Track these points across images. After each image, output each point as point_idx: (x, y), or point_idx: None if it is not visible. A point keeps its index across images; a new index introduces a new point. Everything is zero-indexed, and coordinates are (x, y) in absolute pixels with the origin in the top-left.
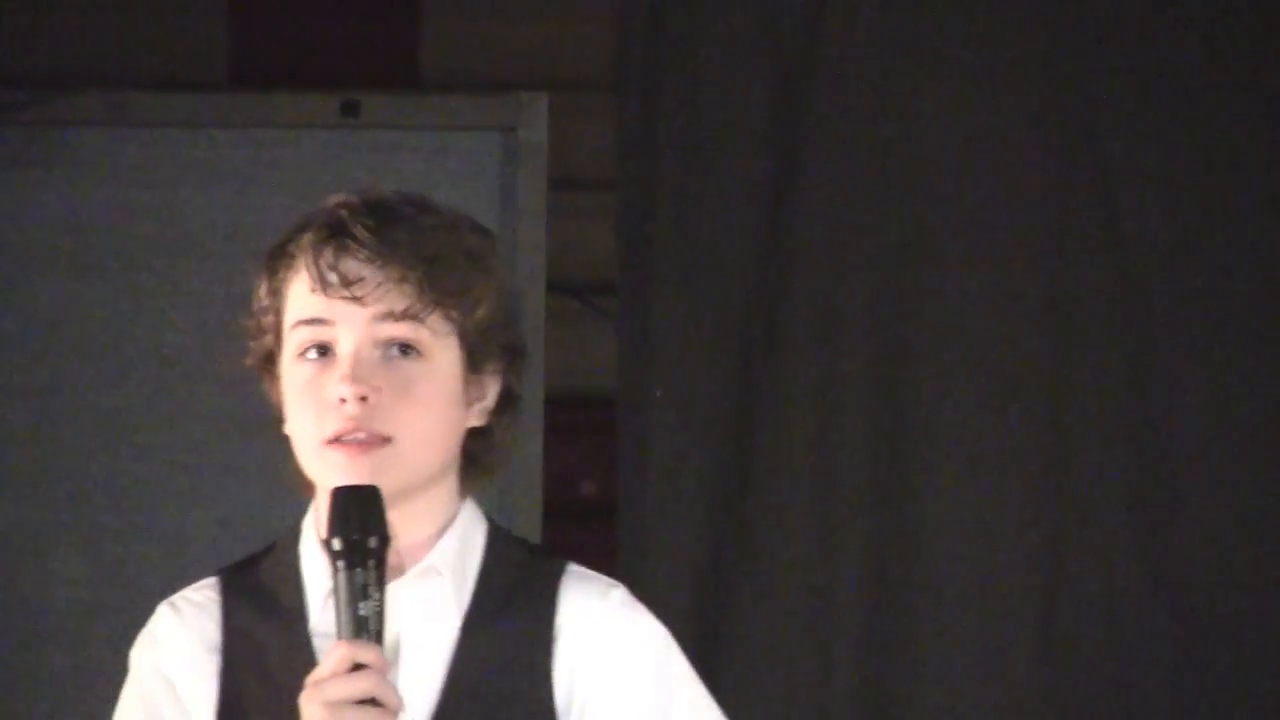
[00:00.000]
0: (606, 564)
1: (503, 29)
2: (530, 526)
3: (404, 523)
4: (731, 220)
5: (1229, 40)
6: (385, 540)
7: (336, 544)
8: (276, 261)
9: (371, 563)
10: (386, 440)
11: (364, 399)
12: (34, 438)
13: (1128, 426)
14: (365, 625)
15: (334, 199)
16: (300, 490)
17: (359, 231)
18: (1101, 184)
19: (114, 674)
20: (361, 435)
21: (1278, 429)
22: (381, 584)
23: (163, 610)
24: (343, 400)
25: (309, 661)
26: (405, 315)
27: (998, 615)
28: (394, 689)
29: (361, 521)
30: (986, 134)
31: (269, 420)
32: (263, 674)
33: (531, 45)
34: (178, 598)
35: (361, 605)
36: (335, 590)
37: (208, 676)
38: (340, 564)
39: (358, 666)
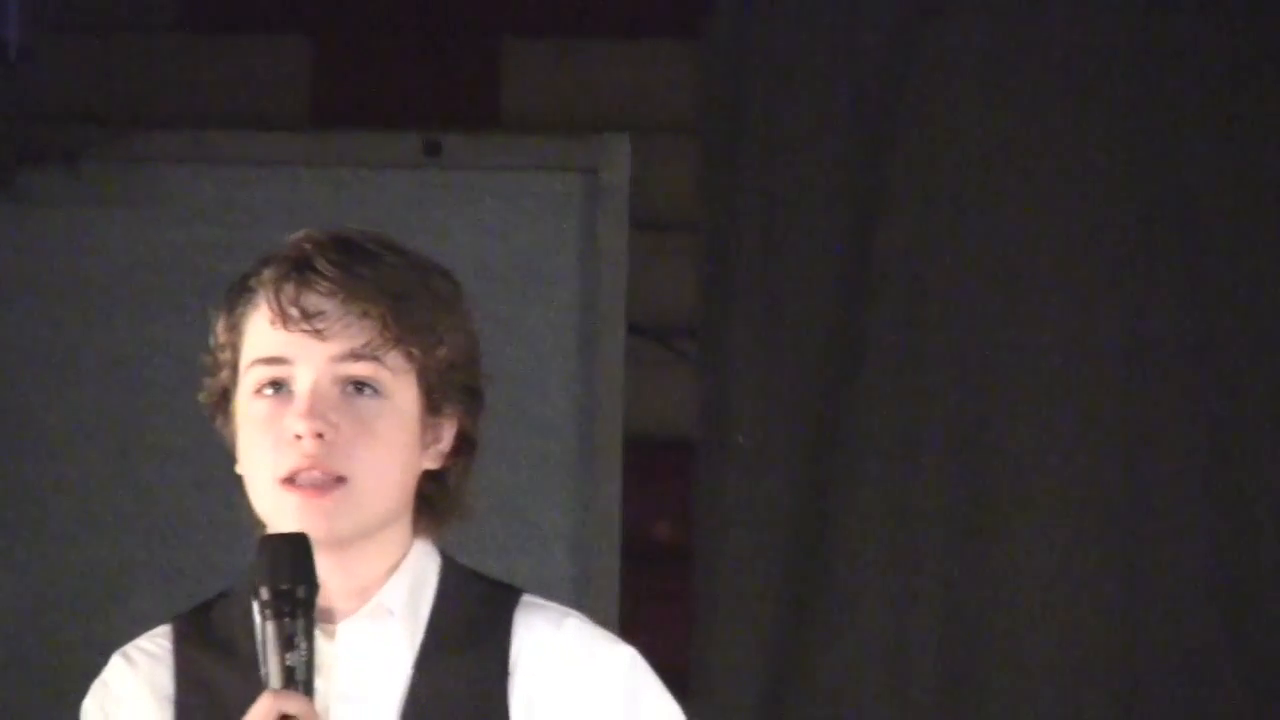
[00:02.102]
0: (681, 608)
1: (584, 70)
2: (608, 568)
3: (356, 563)
4: (813, 263)
5: None
6: (313, 589)
7: (264, 593)
8: (236, 297)
9: (299, 612)
10: (341, 480)
11: (320, 436)
12: (113, 476)
13: (1208, 478)
14: (293, 676)
15: (298, 234)
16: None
17: (323, 265)
18: (1184, 234)
19: None
20: (317, 474)
21: None
22: (310, 633)
23: (115, 660)
24: (299, 436)
25: None
26: (365, 351)
27: (1076, 666)
28: None
29: (289, 571)
30: (1070, 182)
31: None
32: None
33: (613, 86)
34: (130, 647)
35: (289, 656)
36: (262, 640)
37: None
38: (267, 613)
39: (285, 718)
